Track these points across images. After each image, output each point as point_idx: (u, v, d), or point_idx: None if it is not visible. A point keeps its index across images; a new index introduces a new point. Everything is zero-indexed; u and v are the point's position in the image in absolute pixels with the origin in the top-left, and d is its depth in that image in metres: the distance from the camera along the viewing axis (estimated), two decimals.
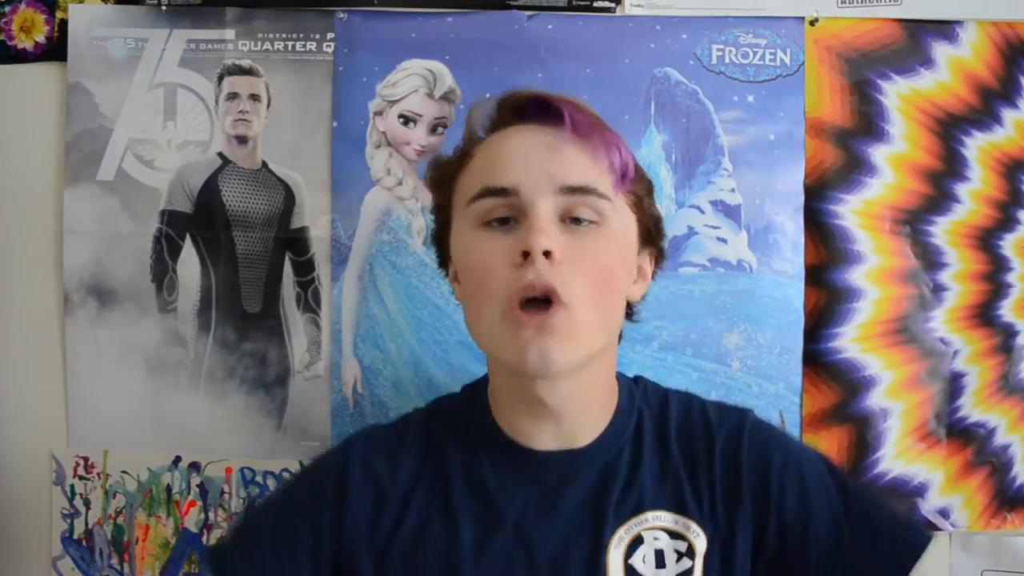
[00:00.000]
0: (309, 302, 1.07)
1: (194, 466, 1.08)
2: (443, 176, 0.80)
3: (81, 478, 1.09)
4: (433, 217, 0.84)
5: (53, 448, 1.09)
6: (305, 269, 1.07)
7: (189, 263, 1.07)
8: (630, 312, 0.82)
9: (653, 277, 0.83)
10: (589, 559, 0.73)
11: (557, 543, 0.74)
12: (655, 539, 0.74)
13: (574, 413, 0.77)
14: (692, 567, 0.74)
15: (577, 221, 0.72)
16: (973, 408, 1.05)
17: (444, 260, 0.84)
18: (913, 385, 1.05)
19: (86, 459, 1.08)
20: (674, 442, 0.79)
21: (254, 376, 1.07)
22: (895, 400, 1.05)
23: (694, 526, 0.75)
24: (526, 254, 0.69)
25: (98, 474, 1.08)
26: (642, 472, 0.77)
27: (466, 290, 0.76)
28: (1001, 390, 1.06)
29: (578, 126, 0.73)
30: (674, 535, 0.75)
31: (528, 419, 0.77)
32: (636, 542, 0.74)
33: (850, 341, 1.05)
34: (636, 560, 0.74)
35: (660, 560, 0.74)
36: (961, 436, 1.05)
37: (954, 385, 1.05)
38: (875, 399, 1.05)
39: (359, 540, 0.76)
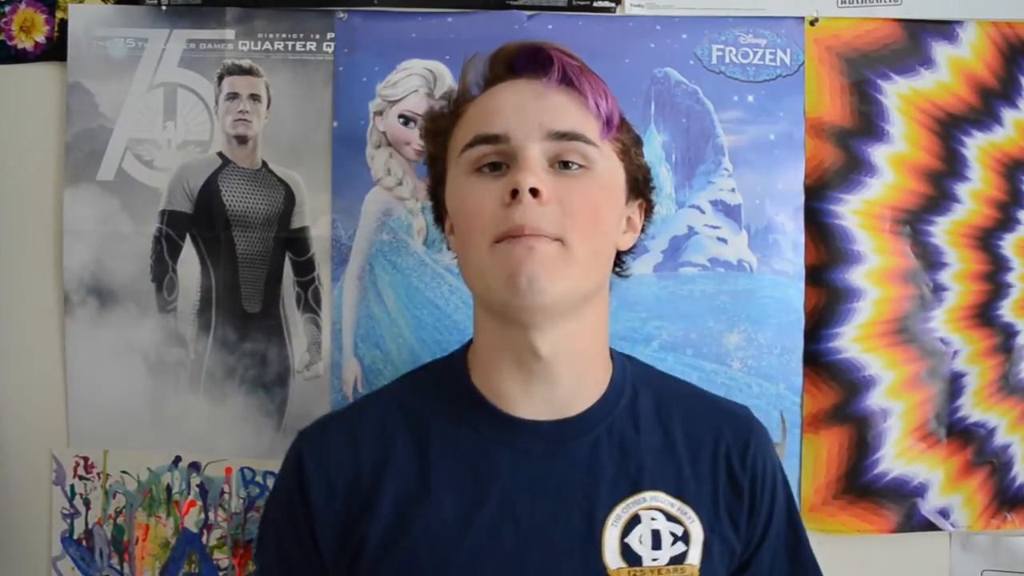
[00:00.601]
0: (309, 302, 1.07)
1: (194, 466, 1.08)
2: (438, 128, 0.82)
3: (81, 478, 1.09)
4: (428, 170, 0.86)
5: (53, 448, 1.09)
6: (305, 269, 1.07)
7: (189, 263, 1.07)
8: (620, 264, 0.84)
9: (643, 230, 0.84)
10: (583, 535, 0.73)
11: (545, 517, 0.73)
12: (652, 519, 0.74)
13: (567, 372, 0.76)
14: (686, 552, 0.74)
15: (566, 166, 0.74)
16: (973, 408, 1.05)
17: (440, 215, 0.85)
18: (913, 385, 1.05)
19: (86, 459, 1.08)
20: (678, 426, 0.79)
21: (254, 376, 1.07)
22: (895, 400, 1.05)
23: (690, 511, 0.75)
24: (515, 193, 0.70)
25: (98, 474, 1.08)
26: (640, 448, 0.77)
27: (458, 233, 0.77)
28: (1001, 390, 1.06)
29: (566, 72, 0.75)
30: (670, 518, 0.75)
31: (519, 381, 0.76)
32: (633, 521, 0.74)
33: (850, 341, 1.05)
34: (632, 539, 0.73)
35: (656, 541, 0.74)
36: (961, 436, 1.05)
37: (954, 385, 1.05)
38: (875, 399, 1.05)
39: (335, 544, 0.75)
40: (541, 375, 0.75)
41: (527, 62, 0.78)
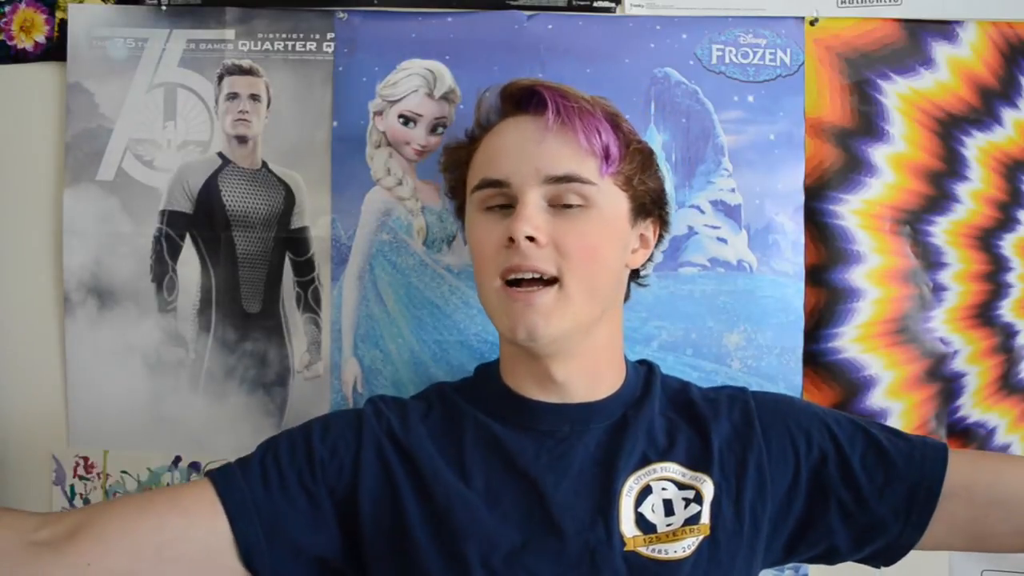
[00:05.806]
0: (309, 302, 1.07)
1: (194, 466, 1.08)
2: (456, 160, 0.89)
3: (81, 478, 1.09)
4: (451, 198, 0.93)
5: (53, 448, 1.09)
6: (305, 269, 1.07)
7: (189, 263, 1.07)
8: (637, 275, 0.91)
9: (659, 243, 0.90)
10: (601, 507, 0.78)
11: (568, 492, 0.78)
12: (663, 489, 0.79)
13: (581, 389, 0.83)
14: (700, 512, 0.79)
15: (567, 206, 0.79)
16: (973, 408, 1.05)
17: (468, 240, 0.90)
18: (913, 385, 1.05)
19: (86, 459, 1.08)
20: (680, 409, 0.86)
21: (254, 376, 1.07)
22: (895, 400, 1.05)
23: (701, 475, 0.80)
24: (513, 239, 0.77)
25: (98, 474, 1.08)
26: (652, 429, 0.83)
27: (474, 265, 0.84)
28: (1001, 390, 1.06)
29: (563, 113, 0.79)
30: (682, 486, 0.80)
31: (537, 390, 0.83)
32: (645, 491, 0.79)
33: (850, 341, 1.05)
34: (645, 509, 0.78)
35: (669, 508, 0.79)
36: (961, 436, 1.05)
37: (954, 385, 1.05)
38: (875, 399, 1.05)
39: (366, 486, 0.79)
40: (557, 392, 0.83)
41: (530, 99, 0.82)
